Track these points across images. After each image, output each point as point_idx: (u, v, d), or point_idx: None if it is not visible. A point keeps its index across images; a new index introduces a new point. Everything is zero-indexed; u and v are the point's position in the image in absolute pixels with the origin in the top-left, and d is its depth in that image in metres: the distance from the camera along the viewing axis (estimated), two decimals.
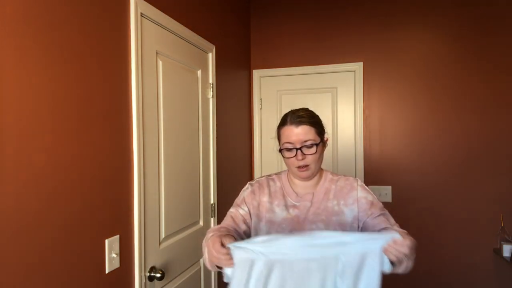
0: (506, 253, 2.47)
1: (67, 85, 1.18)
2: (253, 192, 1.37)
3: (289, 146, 1.27)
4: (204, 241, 1.20)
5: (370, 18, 2.86)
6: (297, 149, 1.25)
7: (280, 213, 1.32)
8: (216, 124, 2.29)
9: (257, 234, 1.32)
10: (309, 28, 2.98)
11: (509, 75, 2.62)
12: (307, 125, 1.27)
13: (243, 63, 2.93)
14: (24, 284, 1.03)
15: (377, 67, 2.85)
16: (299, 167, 1.27)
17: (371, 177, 2.83)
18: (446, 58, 2.73)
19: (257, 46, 3.11)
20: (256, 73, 3.10)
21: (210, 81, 2.22)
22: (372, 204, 1.30)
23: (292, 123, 1.28)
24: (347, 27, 2.90)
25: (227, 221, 1.34)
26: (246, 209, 1.35)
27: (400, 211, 2.75)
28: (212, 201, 2.23)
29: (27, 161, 1.04)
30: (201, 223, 2.11)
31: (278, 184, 1.39)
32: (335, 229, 1.27)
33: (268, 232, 1.30)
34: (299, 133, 1.25)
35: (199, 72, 2.10)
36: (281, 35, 3.04)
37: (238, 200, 1.40)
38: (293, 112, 1.33)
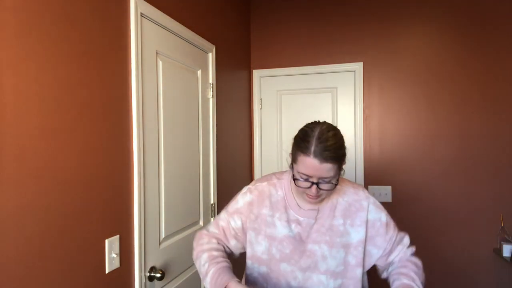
0: (506, 253, 2.47)
1: (67, 85, 1.18)
2: (251, 203, 1.27)
3: (305, 177, 1.11)
4: (200, 262, 1.22)
5: (370, 18, 2.86)
6: (313, 183, 1.10)
7: (281, 229, 1.22)
8: (216, 124, 2.30)
9: (253, 248, 1.26)
10: (309, 28, 2.98)
11: (510, 74, 2.62)
12: (332, 162, 1.07)
13: (243, 63, 2.93)
14: (24, 284, 1.03)
15: (377, 67, 2.85)
16: (309, 196, 1.14)
17: (371, 177, 2.83)
18: (446, 58, 2.73)
19: (257, 46, 3.11)
20: (256, 73, 3.10)
21: (210, 81, 2.22)
22: (388, 226, 1.24)
23: (316, 156, 1.06)
24: (347, 27, 2.90)
25: (218, 234, 1.29)
26: (239, 222, 1.27)
27: (400, 211, 2.75)
28: (212, 201, 2.23)
29: (27, 161, 1.04)
30: (201, 223, 2.11)
31: (280, 193, 1.26)
32: (338, 252, 1.19)
33: (267, 248, 1.23)
34: (321, 169, 1.07)
35: (199, 72, 2.10)
36: (281, 35, 3.04)
37: (232, 206, 1.30)
38: (320, 141, 1.07)
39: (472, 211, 2.69)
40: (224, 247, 1.30)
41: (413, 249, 1.28)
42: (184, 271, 1.92)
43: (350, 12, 2.90)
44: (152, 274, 1.59)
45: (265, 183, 1.30)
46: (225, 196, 2.44)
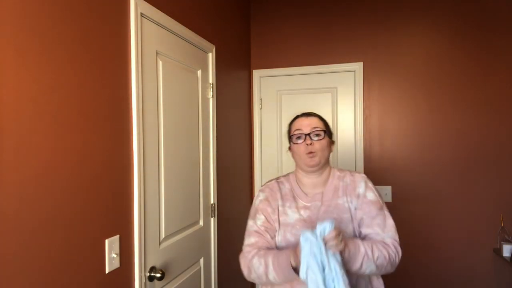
0: (506, 253, 2.47)
1: (67, 85, 1.18)
2: (266, 199, 1.42)
3: (299, 132, 1.36)
4: (255, 269, 1.28)
5: (370, 18, 2.86)
6: (306, 134, 1.35)
7: (292, 215, 1.36)
8: (216, 124, 2.29)
9: (275, 238, 1.37)
10: (309, 28, 2.98)
11: (510, 74, 2.62)
12: (317, 117, 1.41)
13: (243, 63, 2.93)
14: (24, 283, 1.03)
15: (377, 67, 2.85)
16: (307, 153, 1.33)
17: (371, 177, 2.78)
18: (446, 58, 2.73)
19: (257, 46, 3.11)
20: (256, 73, 3.10)
21: (210, 81, 2.22)
22: (370, 203, 1.34)
23: (303, 115, 1.42)
24: (347, 27, 2.90)
25: (253, 242, 1.36)
26: (262, 217, 1.39)
27: (400, 211, 2.75)
28: (212, 201, 2.23)
29: (27, 161, 1.04)
30: (201, 223, 2.11)
31: (287, 186, 1.44)
32: (347, 226, 1.31)
33: (283, 235, 1.34)
34: (309, 122, 1.37)
35: (199, 72, 2.10)
36: (281, 35, 3.04)
37: (252, 211, 1.44)
38: (305, 112, 1.45)
39: (472, 211, 2.69)
40: (266, 249, 1.36)
41: (396, 243, 1.29)
42: (184, 271, 1.92)
43: (350, 12, 2.90)
44: (152, 274, 1.59)
45: (273, 181, 1.49)
46: (225, 196, 2.44)
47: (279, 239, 1.35)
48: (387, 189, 2.81)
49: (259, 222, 1.39)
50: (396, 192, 2.80)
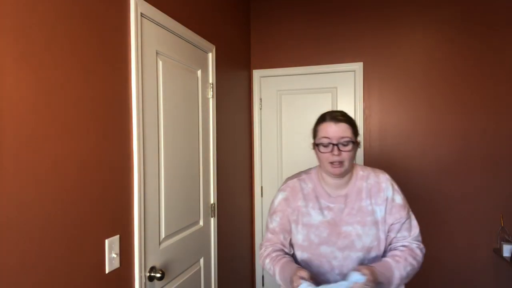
0: (506, 253, 2.47)
1: (67, 85, 1.18)
2: (286, 199, 1.43)
3: (326, 141, 1.29)
4: (267, 267, 1.41)
5: (370, 18, 2.86)
6: (333, 144, 1.28)
7: (316, 216, 1.37)
8: (216, 124, 2.29)
9: (295, 237, 1.40)
10: (309, 28, 2.98)
11: (509, 74, 2.62)
12: (345, 123, 1.30)
13: (243, 63, 2.93)
14: (24, 283, 1.03)
15: (377, 67, 2.85)
16: (332, 162, 1.29)
17: None
18: (446, 58, 2.73)
19: (257, 46, 3.11)
20: (256, 73, 3.10)
21: (210, 81, 2.22)
22: (400, 207, 1.36)
23: (331, 120, 1.31)
24: (347, 27, 2.90)
25: (270, 237, 1.45)
26: (278, 219, 1.43)
27: None
28: (212, 201, 2.23)
29: (27, 161, 1.04)
30: (201, 223, 2.11)
31: (310, 185, 1.42)
32: (370, 229, 1.32)
33: (306, 235, 1.37)
34: (338, 130, 1.29)
35: (199, 72, 2.10)
36: (281, 35, 3.04)
37: (271, 209, 1.47)
38: (331, 112, 1.35)
39: (472, 211, 2.69)
40: (280, 246, 1.44)
41: (420, 245, 1.37)
42: (184, 271, 1.92)
43: (350, 12, 2.90)
44: (152, 274, 1.59)
45: (295, 179, 1.46)
46: (225, 196, 2.44)
47: (301, 238, 1.38)
48: None
49: (274, 223, 1.44)
50: None
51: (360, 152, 2.86)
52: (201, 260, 2.10)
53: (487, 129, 2.66)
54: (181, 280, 1.88)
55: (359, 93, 2.87)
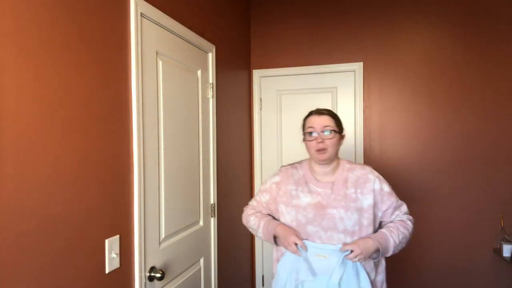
0: (506, 253, 2.47)
1: (67, 85, 1.18)
2: (279, 183, 1.62)
3: (311, 130, 1.51)
4: (250, 223, 1.66)
5: (370, 18, 2.86)
6: (318, 133, 1.49)
7: (304, 198, 1.54)
8: (216, 124, 2.29)
9: (285, 218, 1.57)
10: (309, 28, 2.98)
11: (509, 74, 2.62)
12: (328, 116, 1.53)
13: (243, 63, 2.93)
14: (25, 283, 1.03)
15: (377, 67, 2.85)
16: (318, 150, 1.48)
17: None
18: (446, 58, 2.73)
19: (257, 46, 3.11)
20: (256, 73, 3.10)
21: (210, 81, 2.22)
22: (389, 194, 1.55)
23: (316, 113, 1.55)
24: (347, 27, 2.90)
25: (255, 206, 1.69)
26: (267, 197, 1.64)
27: None
28: (212, 201, 2.23)
29: (27, 162, 1.04)
30: (201, 223, 2.11)
31: (301, 172, 1.61)
32: (352, 214, 1.48)
33: (295, 216, 1.53)
34: (321, 120, 1.51)
35: (199, 72, 2.10)
36: (281, 35, 3.04)
37: (263, 186, 1.69)
38: (317, 108, 1.59)
39: (472, 211, 2.69)
40: (264, 212, 1.68)
41: (409, 216, 1.58)
42: (184, 271, 1.92)
43: (350, 12, 2.90)
44: (152, 274, 1.59)
45: (288, 167, 1.67)
46: (225, 196, 2.44)
47: (289, 219, 1.54)
48: None
49: (262, 199, 1.66)
50: (395, 192, 2.79)
51: (360, 152, 2.86)
52: (201, 260, 2.10)
53: (488, 129, 2.66)
54: (181, 280, 1.88)
55: (359, 93, 2.87)
